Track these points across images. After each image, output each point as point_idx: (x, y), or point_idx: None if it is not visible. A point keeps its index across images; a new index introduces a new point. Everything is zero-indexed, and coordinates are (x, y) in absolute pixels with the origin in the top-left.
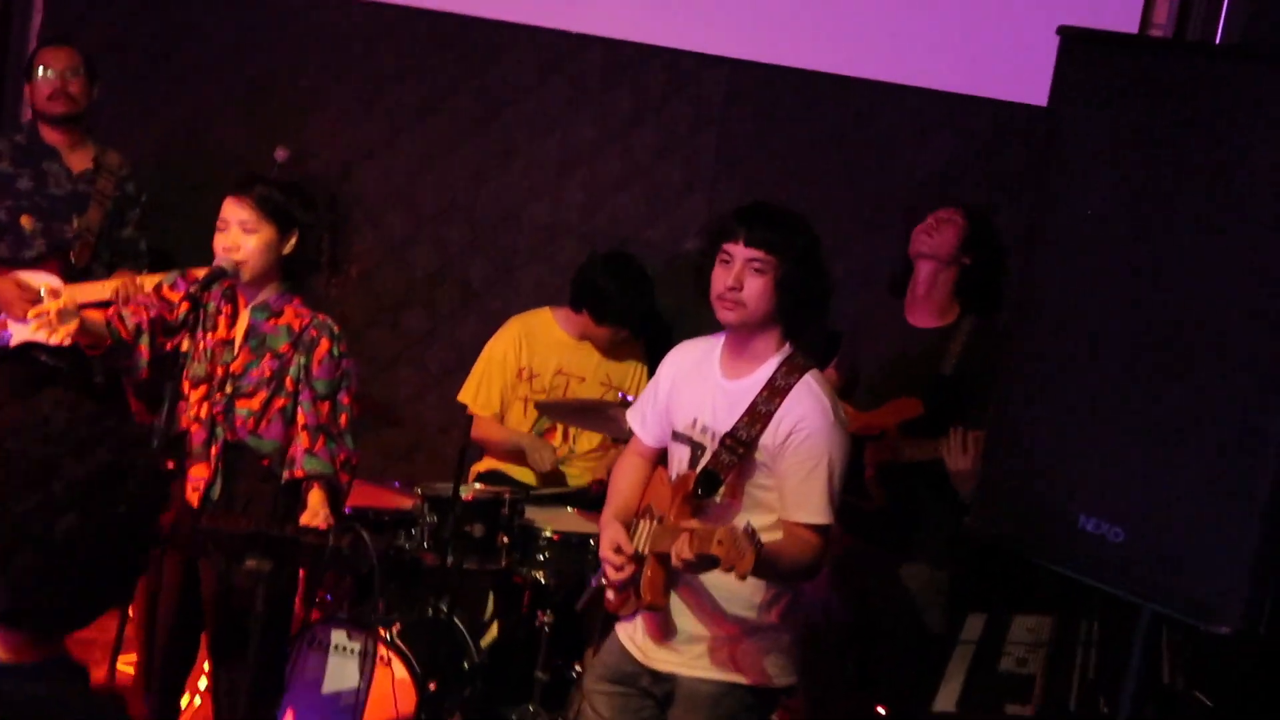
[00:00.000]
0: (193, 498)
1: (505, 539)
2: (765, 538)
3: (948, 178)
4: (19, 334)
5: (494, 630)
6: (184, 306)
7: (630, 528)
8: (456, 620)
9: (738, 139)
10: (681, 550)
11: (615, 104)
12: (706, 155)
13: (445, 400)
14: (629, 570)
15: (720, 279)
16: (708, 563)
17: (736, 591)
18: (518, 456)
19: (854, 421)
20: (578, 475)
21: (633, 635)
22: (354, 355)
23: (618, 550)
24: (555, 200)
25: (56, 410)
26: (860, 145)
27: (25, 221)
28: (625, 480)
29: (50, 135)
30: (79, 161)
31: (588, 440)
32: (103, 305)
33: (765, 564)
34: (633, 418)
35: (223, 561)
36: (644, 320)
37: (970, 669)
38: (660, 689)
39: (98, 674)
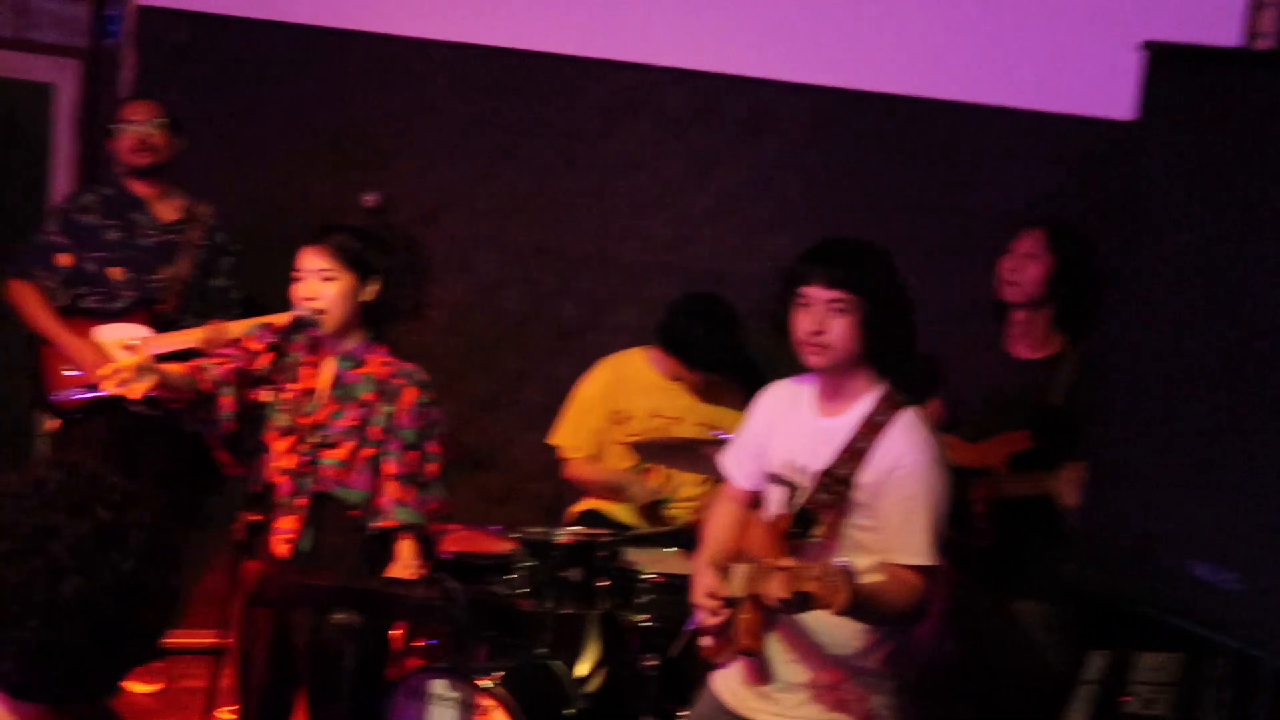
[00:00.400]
0: (282, 549)
1: (604, 582)
2: (866, 579)
3: (1044, 200)
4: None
5: (599, 675)
6: (267, 358)
7: (725, 572)
8: (557, 666)
9: (824, 169)
10: (775, 588)
11: (700, 138)
12: (793, 187)
13: (541, 442)
14: (724, 615)
15: (802, 324)
16: (803, 601)
17: (838, 636)
18: (618, 496)
19: (960, 455)
20: (680, 515)
21: (729, 684)
22: (447, 398)
23: (711, 595)
24: (644, 238)
25: (51, 472)
26: (952, 170)
27: (114, 273)
28: (718, 524)
29: (138, 188)
30: (167, 212)
31: (688, 480)
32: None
33: (862, 603)
34: (727, 462)
35: (313, 615)
36: (735, 361)
37: (1093, 712)
38: None
39: None
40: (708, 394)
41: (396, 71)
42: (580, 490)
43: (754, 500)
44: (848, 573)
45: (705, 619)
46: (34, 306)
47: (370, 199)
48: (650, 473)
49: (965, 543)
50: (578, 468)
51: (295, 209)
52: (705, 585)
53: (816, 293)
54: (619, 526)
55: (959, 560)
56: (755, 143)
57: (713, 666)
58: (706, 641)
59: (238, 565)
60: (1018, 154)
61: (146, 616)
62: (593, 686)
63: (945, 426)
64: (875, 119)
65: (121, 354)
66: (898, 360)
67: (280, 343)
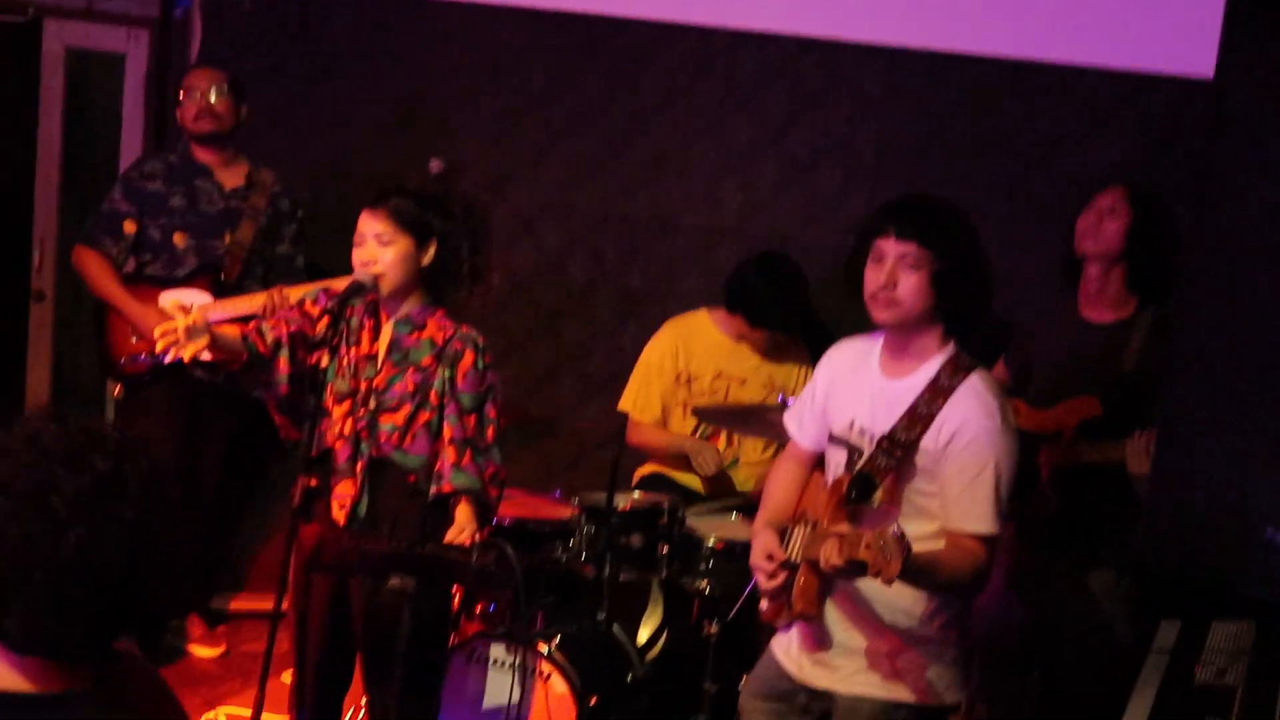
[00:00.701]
0: (339, 515)
1: (665, 548)
2: (927, 546)
3: (1125, 163)
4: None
5: (661, 642)
6: (324, 322)
7: (784, 534)
8: (618, 633)
9: (899, 133)
10: (830, 555)
11: (770, 103)
12: (866, 152)
13: (607, 409)
14: (781, 578)
15: (873, 277)
16: (857, 568)
17: (896, 603)
18: (683, 462)
19: (1028, 421)
20: (744, 481)
21: (788, 649)
22: (513, 366)
23: (769, 557)
24: (712, 204)
25: (45, 425)
26: (1030, 132)
27: (178, 239)
28: (779, 485)
29: (202, 154)
30: (231, 179)
31: (753, 446)
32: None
33: (918, 571)
34: (789, 421)
35: (368, 581)
36: (801, 322)
37: (1163, 681)
38: (818, 706)
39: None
40: (774, 355)
41: (463, 38)
42: (645, 455)
43: (816, 461)
44: (901, 541)
45: (762, 582)
46: (99, 273)
47: (435, 166)
48: (714, 438)
49: (1031, 511)
50: (643, 432)
51: (361, 176)
52: (763, 547)
53: (889, 246)
54: (683, 491)
55: (1025, 528)
56: (827, 107)
57: (771, 631)
58: (764, 605)
59: (294, 531)
60: (1097, 115)
61: (152, 565)
62: (653, 652)
63: (1013, 391)
64: (950, 81)
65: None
66: (969, 321)
67: (337, 307)
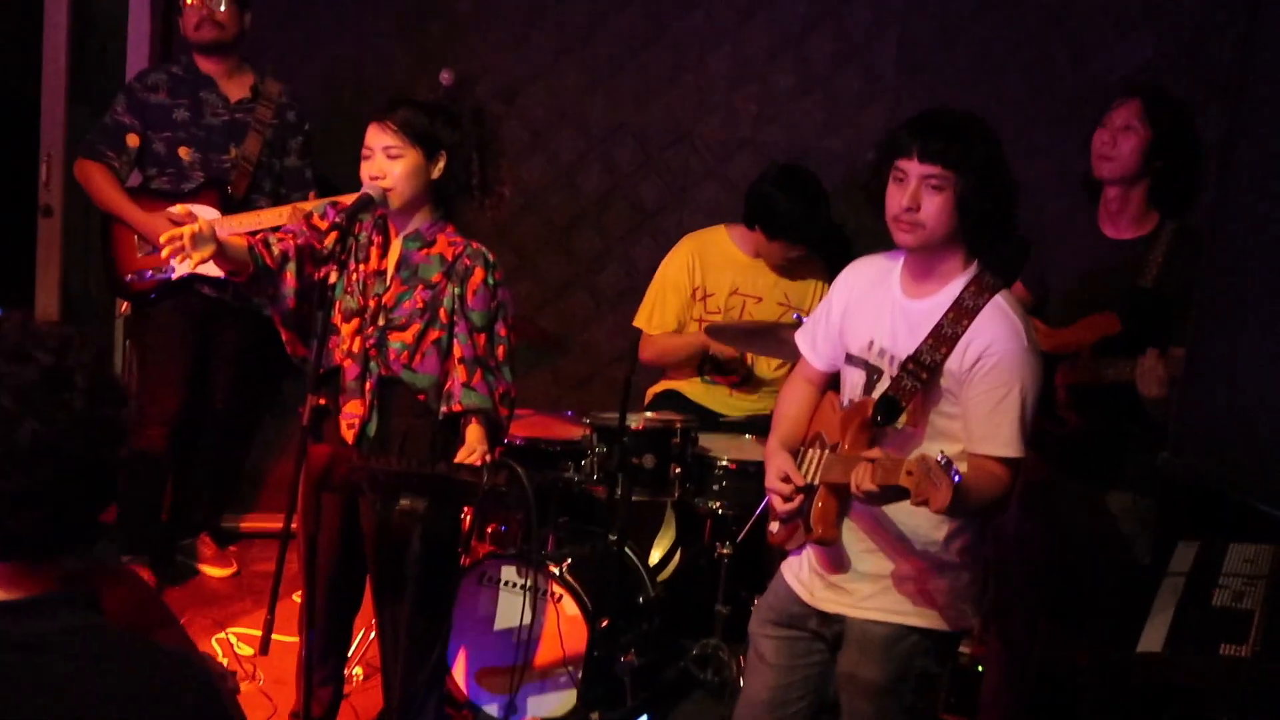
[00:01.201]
0: (348, 435)
1: (678, 469)
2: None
3: (1149, 71)
4: (181, 267)
5: (675, 562)
6: (332, 236)
7: (798, 456)
8: (630, 555)
9: (920, 42)
10: (862, 480)
11: (788, 10)
12: (886, 60)
13: (620, 325)
14: (797, 501)
15: (895, 199)
16: (893, 494)
17: (914, 527)
18: (697, 377)
19: (1045, 340)
20: (756, 401)
21: (799, 574)
22: (524, 280)
23: (785, 479)
24: (728, 115)
25: None
26: (1052, 43)
27: (183, 153)
28: (792, 406)
29: (206, 65)
30: (236, 90)
31: (766, 364)
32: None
33: (957, 497)
34: (801, 340)
35: (378, 501)
36: (820, 236)
37: (1180, 604)
38: (829, 630)
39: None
40: (790, 272)
41: None
42: (658, 373)
43: (829, 381)
44: (949, 468)
45: (778, 505)
46: (103, 185)
47: (446, 77)
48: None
49: (1049, 430)
50: (657, 343)
51: (372, 86)
52: (778, 469)
53: (912, 167)
54: (696, 409)
55: (1043, 448)
56: (845, 12)
57: (782, 554)
58: (774, 528)
59: (304, 450)
60: (1123, 18)
61: (106, 452)
62: (665, 574)
63: (1032, 310)
64: None
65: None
66: (993, 242)
67: (345, 222)
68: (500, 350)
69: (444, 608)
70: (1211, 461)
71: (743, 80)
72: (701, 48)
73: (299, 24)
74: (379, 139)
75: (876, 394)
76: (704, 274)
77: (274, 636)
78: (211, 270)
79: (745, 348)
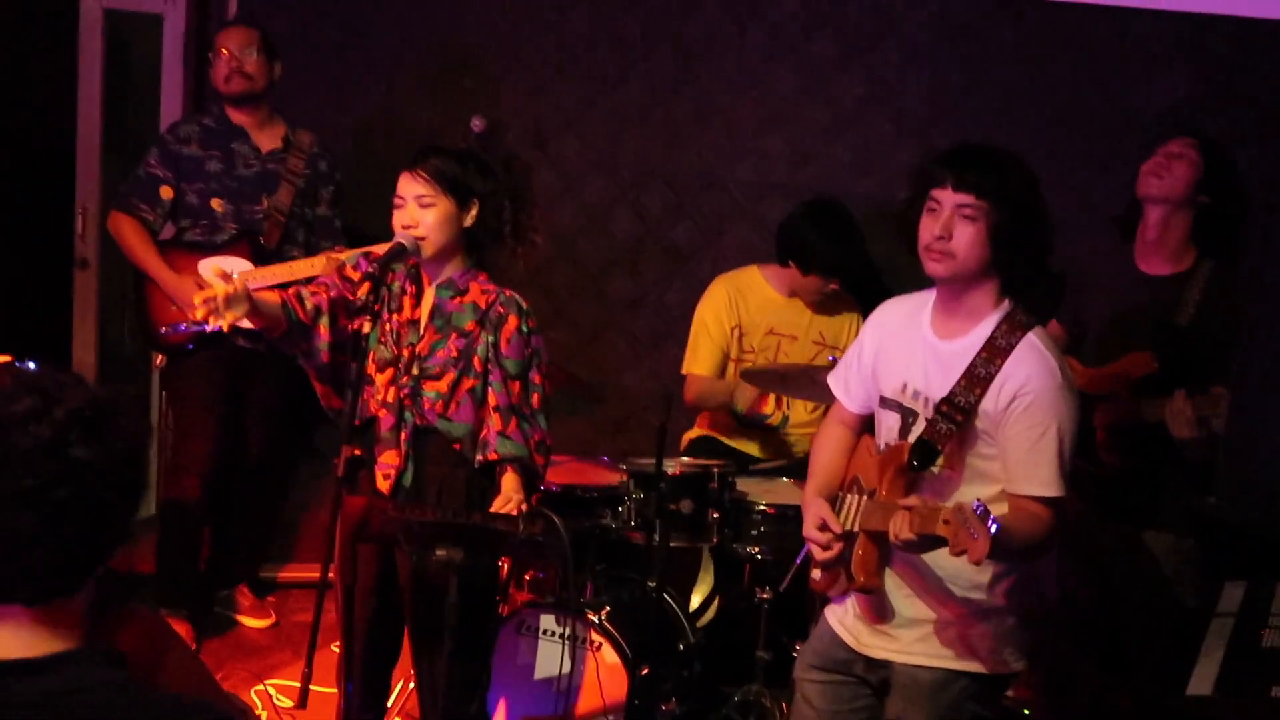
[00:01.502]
0: (384, 485)
1: (716, 514)
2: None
3: (1184, 110)
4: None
5: (714, 607)
6: (365, 287)
7: (836, 503)
8: (669, 601)
9: (950, 82)
10: (900, 530)
11: (817, 54)
12: (917, 100)
13: (654, 369)
14: (836, 549)
15: (927, 229)
16: (931, 543)
17: (958, 571)
18: (733, 423)
19: (1082, 379)
20: (794, 444)
21: (843, 619)
22: (557, 326)
23: (823, 528)
24: (759, 158)
25: None
26: (1086, 78)
27: (216, 204)
28: (827, 452)
29: (238, 116)
30: (268, 141)
31: (802, 406)
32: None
33: (997, 544)
34: (834, 383)
35: (415, 552)
36: (854, 268)
37: (1229, 645)
38: (876, 676)
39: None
40: (826, 308)
41: None
42: (692, 418)
43: (864, 424)
44: (986, 518)
45: (818, 554)
46: (134, 240)
47: (477, 124)
48: (761, 400)
49: (1088, 471)
50: (697, 386)
51: (403, 135)
52: (816, 517)
53: (946, 196)
54: (733, 454)
55: (1082, 489)
56: (875, 52)
57: (824, 598)
58: (816, 575)
59: (339, 501)
60: (1156, 58)
61: (117, 493)
62: (704, 620)
63: (1067, 349)
64: (1003, 23)
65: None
66: (1026, 277)
67: (379, 272)
68: (535, 398)
69: (483, 658)
70: (1258, 505)
71: (773, 123)
72: (731, 92)
73: (329, 75)
74: (411, 188)
75: (912, 438)
76: (740, 314)
77: (312, 688)
78: (246, 323)
79: (780, 391)
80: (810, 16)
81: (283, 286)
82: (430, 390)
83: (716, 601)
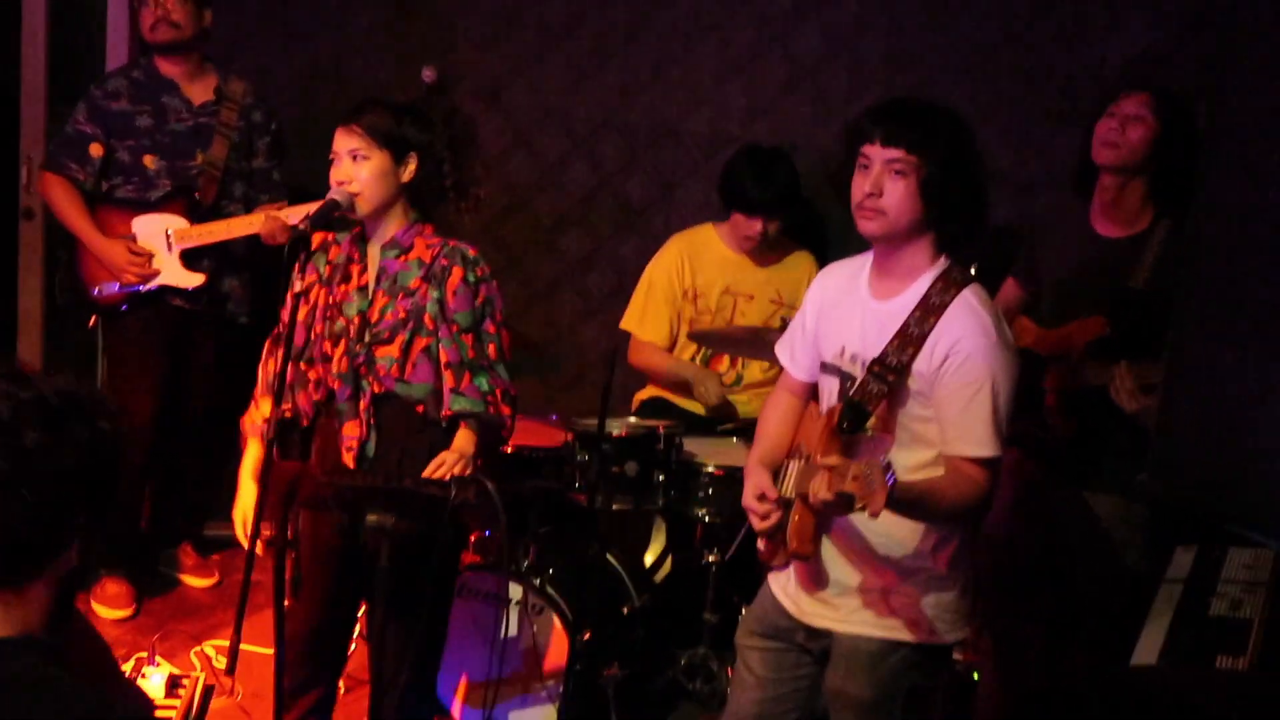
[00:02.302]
0: (347, 458)
1: (662, 476)
2: (925, 474)
3: (1142, 66)
4: (152, 281)
5: (664, 570)
6: (311, 277)
7: (780, 471)
8: (614, 564)
9: (908, 35)
10: (819, 489)
11: (774, 2)
12: (875, 54)
13: (608, 325)
14: (775, 518)
15: (858, 186)
16: (846, 502)
17: (897, 537)
18: (685, 388)
19: (1036, 340)
20: (748, 402)
21: (785, 587)
22: (509, 282)
23: (761, 497)
24: (715, 110)
25: None
26: (1044, 35)
27: (148, 161)
28: (773, 420)
29: (167, 68)
30: (200, 93)
31: (757, 365)
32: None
33: (909, 504)
34: (781, 351)
35: (345, 517)
36: (792, 205)
37: (1176, 612)
38: (817, 645)
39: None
40: (780, 265)
41: None
42: (646, 377)
43: (811, 391)
44: (887, 471)
45: (756, 524)
46: (63, 201)
47: (428, 74)
48: (716, 359)
49: (1038, 434)
50: (647, 354)
51: (353, 86)
52: (755, 487)
53: (875, 152)
54: (684, 416)
55: (1032, 452)
56: (831, 5)
57: (769, 568)
58: (761, 545)
59: (269, 464)
60: (1113, 11)
61: (74, 476)
62: (658, 579)
63: (1027, 308)
64: None
65: (160, 247)
66: (962, 233)
67: (308, 229)
68: (491, 348)
69: (435, 623)
70: (1191, 483)
71: (729, 75)
72: (686, 42)
73: (276, 23)
74: (345, 143)
75: (843, 400)
76: (694, 274)
77: (256, 649)
78: (183, 281)
79: (733, 352)
80: None
81: (222, 245)
82: (383, 356)
83: (668, 563)
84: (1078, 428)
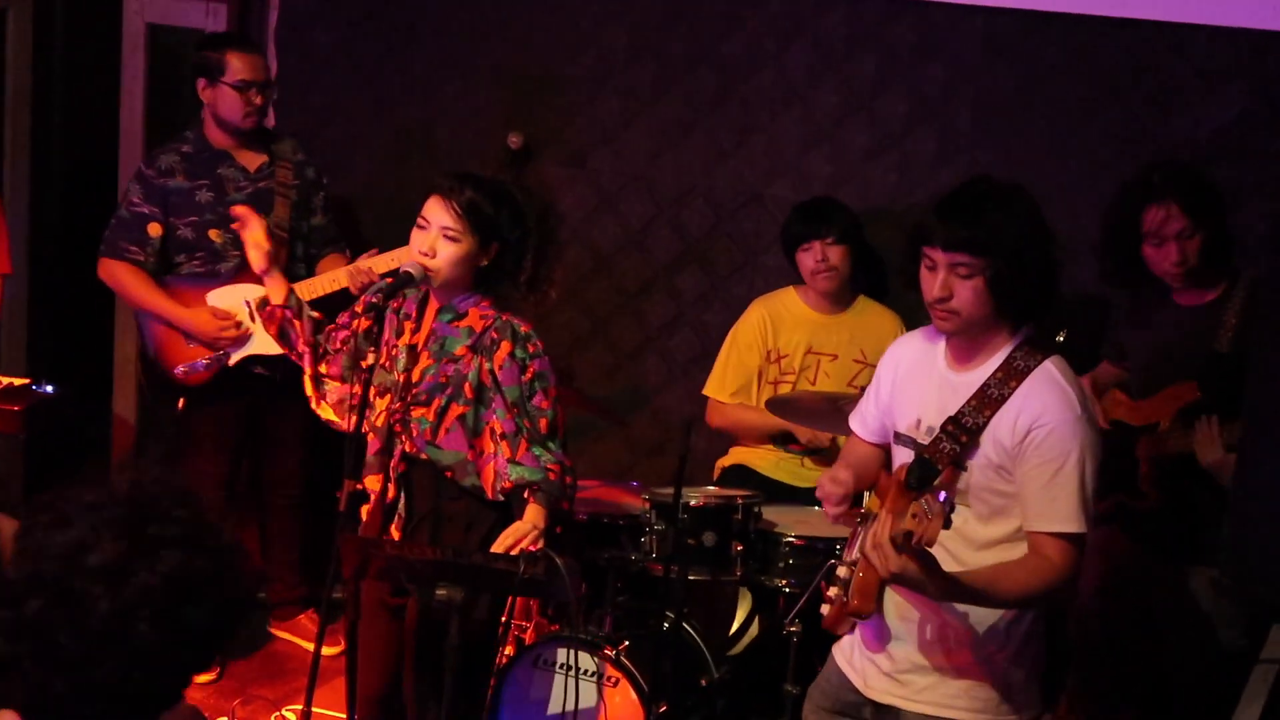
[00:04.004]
0: (374, 514)
1: (739, 547)
2: (1006, 548)
3: (1241, 130)
4: (240, 351)
5: (741, 641)
6: (367, 321)
7: (860, 498)
8: (692, 635)
9: (996, 97)
10: (879, 532)
11: (858, 70)
12: (962, 119)
13: (691, 392)
14: (844, 506)
15: (927, 287)
16: (905, 540)
17: (973, 616)
18: (766, 450)
19: (1127, 412)
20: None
21: (851, 659)
22: (594, 347)
23: (834, 480)
24: (799, 176)
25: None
26: (1135, 100)
27: (214, 235)
28: (855, 453)
29: (220, 139)
30: (253, 159)
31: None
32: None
33: (975, 589)
34: (854, 422)
35: (418, 591)
36: (844, 227)
37: (1272, 692)
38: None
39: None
40: (862, 327)
41: (544, 8)
42: (729, 443)
43: (884, 459)
44: (945, 502)
45: (828, 509)
46: (133, 284)
47: (515, 140)
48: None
49: (1130, 505)
50: (726, 413)
51: (441, 150)
52: (830, 473)
53: (939, 255)
54: (766, 483)
55: (1123, 524)
56: (920, 70)
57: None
58: (825, 610)
59: (340, 536)
60: (1208, 76)
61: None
62: (734, 652)
63: (1122, 385)
64: (1050, 40)
65: (242, 318)
66: (1036, 313)
67: (381, 301)
68: (543, 423)
69: (478, 696)
70: (1269, 580)
71: (813, 142)
72: (771, 109)
73: (366, 92)
74: (439, 216)
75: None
76: (776, 335)
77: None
78: (271, 348)
79: (808, 423)
80: (853, 35)
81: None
82: (418, 416)
83: (751, 633)
84: (1171, 498)
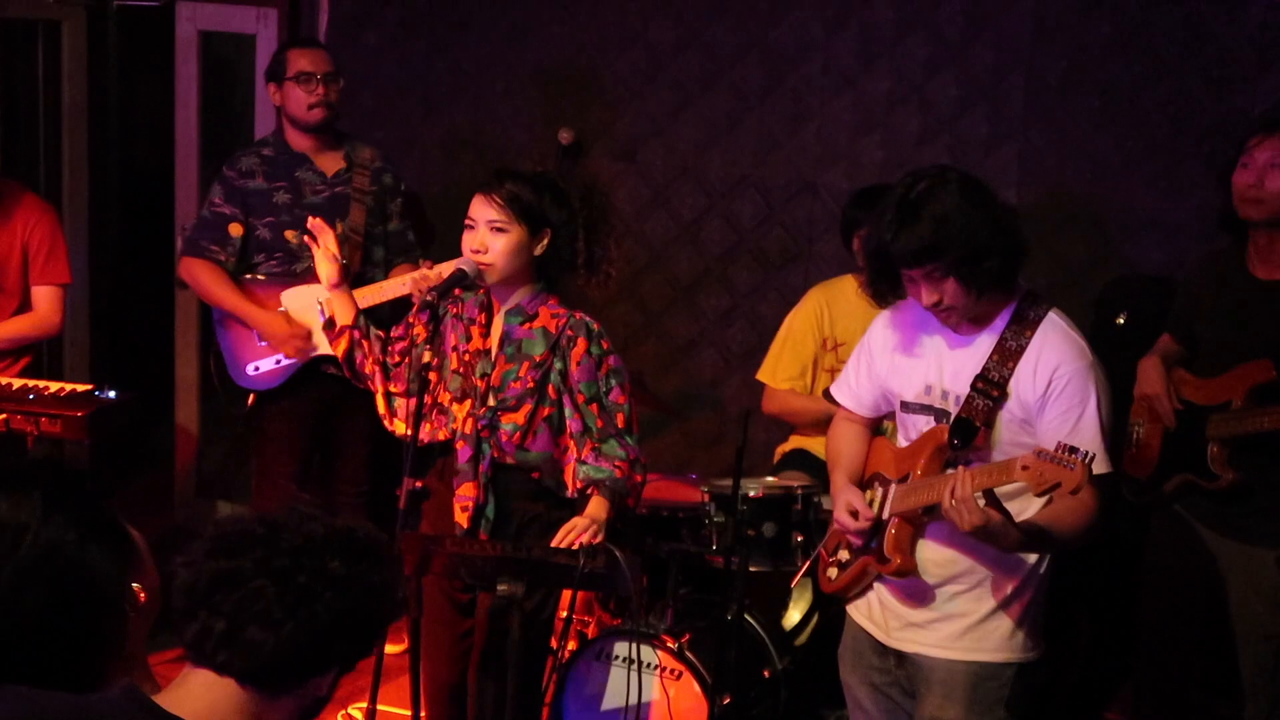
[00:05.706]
0: (461, 518)
1: (800, 537)
2: (1019, 501)
3: None
4: (311, 352)
5: (806, 630)
6: (423, 325)
7: (867, 491)
8: (755, 626)
9: (1047, 81)
10: (961, 485)
11: (911, 53)
12: (1014, 101)
13: (748, 383)
14: (866, 531)
15: (917, 298)
16: (990, 501)
17: (1011, 561)
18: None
19: (1194, 391)
20: None
21: (870, 614)
22: (650, 339)
23: (855, 514)
24: (852, 163)
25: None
26: (1192, 74)
27: (290, 236)
28: (847, 443)
29: (299, 142)
30: (331, 163)
31: None
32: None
33: (1037, 534)
34: (841, 395)
35: (482, 587)
36: None
37: None
38: (908, 671)
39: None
40: None
41: (591, 4)
42: (787, 429)
43: (874, 425)
44: (1082, 455)
45: (852, 540)
46: (213, 283)
47: (565, 136)
48: None
49: (1200, 485)
50: (782, 399)
51: (491, 149)
52: (847, 504)
53: (909, 273)
54: (824, 467)
55: (1193, 506)
56: (972, 53)
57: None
58: (832, 574)
59: (400, 536)
60: (1263, 51)
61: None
62: (802, 638)
63: (1183, 362)
64: (1102, 17)
65: (314, 318)
66: (1019, 265)
67: (435, 300)
68: (619, 418)
69: (534, 689)
70: None
71: (865, 128)
72: (821, 96)
73: (415, 92)
74: (484, 212)
75: (952, 420)
76: (834, 324)
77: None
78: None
79: None
80: (901, 19)
81: (370, 310)
82: (508, 423)
83: (814, 621)
84: (1243, 479)
